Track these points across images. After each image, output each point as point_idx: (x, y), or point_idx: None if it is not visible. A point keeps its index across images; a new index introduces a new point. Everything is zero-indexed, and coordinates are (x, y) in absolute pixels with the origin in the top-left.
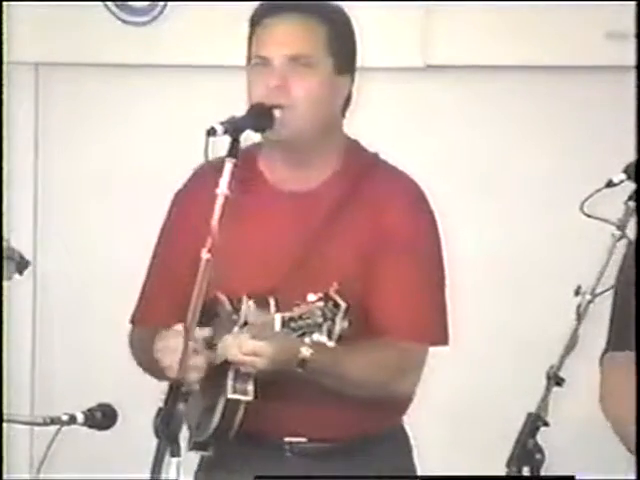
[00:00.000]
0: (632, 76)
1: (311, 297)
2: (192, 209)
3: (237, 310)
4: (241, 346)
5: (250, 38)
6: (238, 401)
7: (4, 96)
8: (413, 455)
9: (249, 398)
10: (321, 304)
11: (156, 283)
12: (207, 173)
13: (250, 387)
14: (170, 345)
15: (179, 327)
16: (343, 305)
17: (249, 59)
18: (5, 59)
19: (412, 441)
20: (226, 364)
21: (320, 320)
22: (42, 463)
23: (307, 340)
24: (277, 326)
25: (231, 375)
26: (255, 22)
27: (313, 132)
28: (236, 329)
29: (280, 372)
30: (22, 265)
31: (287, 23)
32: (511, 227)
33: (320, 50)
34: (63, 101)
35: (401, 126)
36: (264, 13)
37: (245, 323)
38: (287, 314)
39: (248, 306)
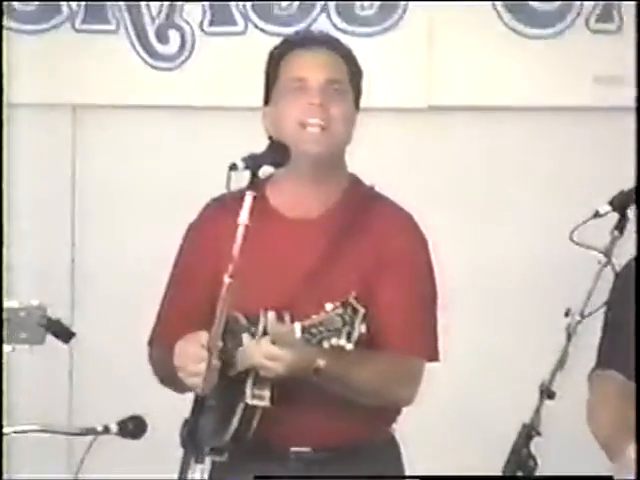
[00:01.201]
0: (618, 117)
1: (329, 306)
2: (205, 240)
3: (254, 323)
4: (263, 350)
5: (276, 67)
6: (256, 407)
7: (44, 137)
8: (403, 463)
9: (267, 404)
10: (340, 310)
11: (172, 306)
12: (216, 207)
13: (267, 393)
14: (189, 353)
15: (196, 337)
16: (362, 310)
17: (274, 87)
18: (43, 101)
19: (403, 450)
20: (243, 373)
21: (339, 325)
22: (79, 468)
23: (326, 344)
24: (297, 333)
25: (250, 382)
26: (282, 53)
27: (339, 152)
28: (245, 337)
29: (292, 383)
30: (68, 335)
31: (318, 54)
32: (505, 255)
33: (346, 80)
34: (99, 141)
35: (403, 164)
36: (291, 46)
37: (264, 333)
38: (307, 322)
39: (266, 317)
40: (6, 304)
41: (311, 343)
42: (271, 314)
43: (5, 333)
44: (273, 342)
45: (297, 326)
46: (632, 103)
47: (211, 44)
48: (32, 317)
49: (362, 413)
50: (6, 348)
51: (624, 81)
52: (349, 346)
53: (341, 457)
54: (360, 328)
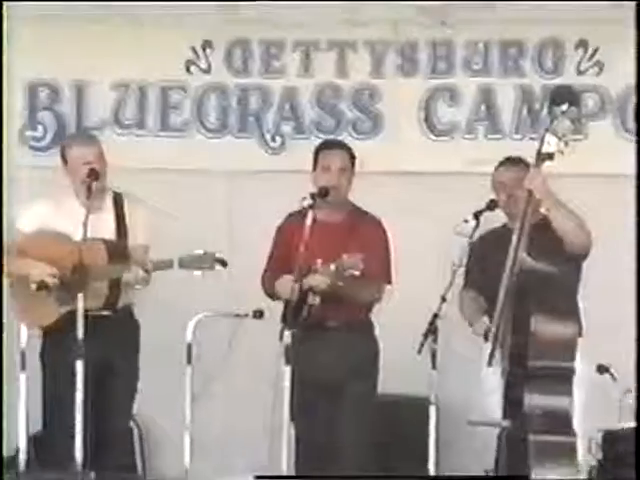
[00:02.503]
0: (479, 179)
1: (345, 255)
2: (286, 232)
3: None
4: (316, 278)
5: (316, 156)
6: (313, 304)
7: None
8: (375, 331)
9: (318, 302)
10: (352, 256)
11: (271, 264)
12: (292, 216)
13: (318, 299)
14: (283, 284)
15: (288, 277)
16: (360, 255)
17: (316, 166)
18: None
19: (376, 326)
20: (307, 291)
21: (354, 261)
22: (232, 337)
23: (347, 273)
24: (332, 268)
25: (310, 294)
26: (319, 149)
27: (345, 196)
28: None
29: (328, 294)
30: (225, 264)
31: (335, 152)
32: (435, 245)
33: (349, 165)
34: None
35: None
36: (323, 146)
37: (315, 271)
38: (337, 262)
39: (317, 263)
40: (196, 252)
41: (340, 271)
42: (319, 261)
43: (197, 265)
44: (320, 274)
45: (332, 265)
46: (486, 170)
47: (294, 144)
48: (209, 257)
49: (360, 305)
50: (196, 273)
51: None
52: (357, 273)
53: (349, 326)
54: (360, 264)
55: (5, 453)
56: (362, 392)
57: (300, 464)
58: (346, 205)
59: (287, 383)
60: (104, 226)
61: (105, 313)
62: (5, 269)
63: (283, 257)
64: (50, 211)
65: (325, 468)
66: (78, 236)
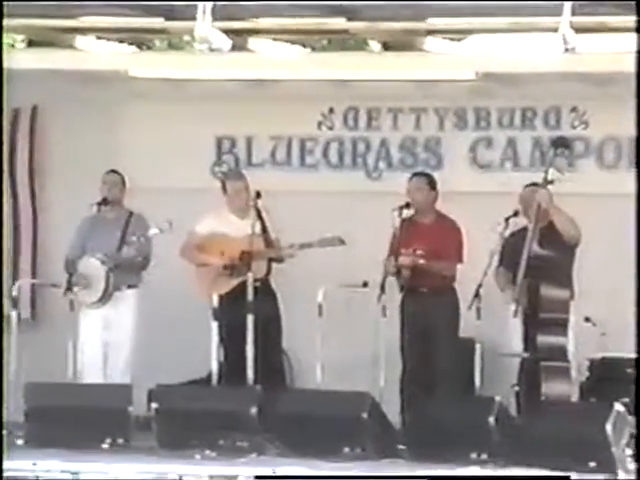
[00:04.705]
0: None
1: (420, 249)
2: (397, 229)
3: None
4: (403, 259)
5: (409, 183)
6: (406, 276)
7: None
8: (457, 294)
9: (408, 275)
10: (427, 246)
11: (391, 249)
12: (400, 221)
13: (408, 272)
14: (385, 264)
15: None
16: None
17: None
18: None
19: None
20: (400, 267)
21: (437, 246)
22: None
23: (423, 258)
24: (420, 252)
25: (402, 270)
26: (409, 179)
27: (431, 207)
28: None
29: (413, 268)
30: (342, 241)
31: (414, 179)
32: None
33: (425, 187)
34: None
35: None
36: (410, 177)
37: (403, 254)
38: (420, 250)
39: (403, 250)
40: (327, 235)
41: (418, 255)
42: (410, 250)
43: (328, 243)
44: (406, 256)
45: (419, 251)
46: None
47: (387, 175)
48: (335, 238)
49: (442, 277)
50: (329, 248)
51: (511, 186)
52: (420, 251)
53: (436, 291)
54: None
55: (198, 376)
56: (449, 333)
57: (404, 383)
58: (433, 212)
59: (381, 327)
60: (250, 227)
61: (257, 284)
62: (188, 260)
63: (396, 246)
64: (215, 220)
65: (420, 386)
66: (234, 234)
